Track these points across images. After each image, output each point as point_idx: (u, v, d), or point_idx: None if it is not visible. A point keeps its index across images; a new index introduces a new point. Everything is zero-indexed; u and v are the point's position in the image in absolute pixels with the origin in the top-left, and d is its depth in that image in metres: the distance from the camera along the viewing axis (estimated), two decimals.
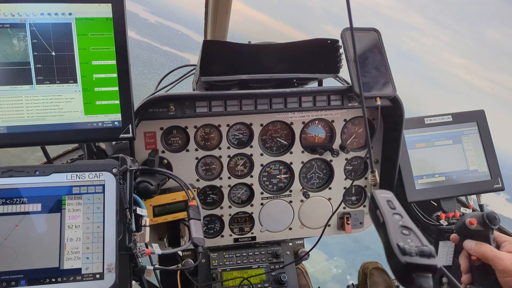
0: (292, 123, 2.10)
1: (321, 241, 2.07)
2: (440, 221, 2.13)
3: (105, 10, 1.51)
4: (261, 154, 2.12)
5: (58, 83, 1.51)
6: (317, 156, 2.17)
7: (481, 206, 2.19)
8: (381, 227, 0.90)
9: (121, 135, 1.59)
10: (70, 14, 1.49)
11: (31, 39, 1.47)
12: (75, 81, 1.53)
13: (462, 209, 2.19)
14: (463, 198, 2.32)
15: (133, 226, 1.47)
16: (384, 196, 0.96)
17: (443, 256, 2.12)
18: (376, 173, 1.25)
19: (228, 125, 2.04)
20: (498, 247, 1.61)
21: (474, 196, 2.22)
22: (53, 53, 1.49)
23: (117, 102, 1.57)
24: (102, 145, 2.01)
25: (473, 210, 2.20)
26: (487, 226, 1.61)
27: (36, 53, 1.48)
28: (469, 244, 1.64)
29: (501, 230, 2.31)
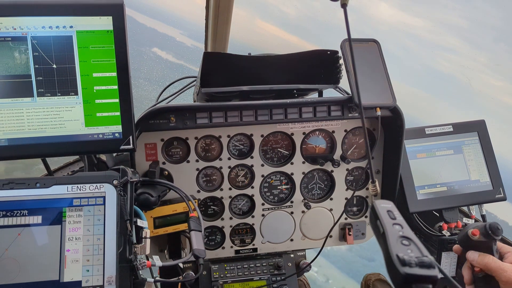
0: (292, 134, 2.10)
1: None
2: (443, 232, 2.11)
3: (106, 23, 1.52)
4: (262, 165, 2.12)
5: (59, 95, 1.52)
6: (318, 166, 2.17)
7: (483, 216, 2.17)
8: (381, 237, 0.90)
9: (122, 147, 1.59)
10: (71, 27, 1.50)
11: (32, 52, 1.48)
12: (76, 93, 1.53)
13: (465, 220, 2.18)
14: (465, 208, 2.31)
15: (134, 238, 1.46)
16: (384, 206, 0.96)
17: (446, 267, 2.10)
18: (377, 183, 1.25)
19: (228, 136, 2.04)
20: (501, 258, 1.60)
21: (476, 207, 2.20)
22: (54, 66, 1.50)
23: (118, 113, 1.57)
24: (103, 157, 2.01)
25: (476, 221, 2.18)
26: (489, 237, 1.59)
27: (37, 66, 1.49)
28: (472, 255, 1.63)
29: (504, 241, 2.29)
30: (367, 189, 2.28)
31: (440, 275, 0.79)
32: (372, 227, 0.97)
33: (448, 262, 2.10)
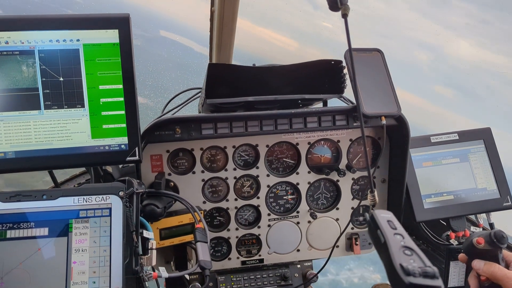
0: (297, 144, 2.10)
1: None
2: (450, 241, 2.09)
3: (112, 36, 1.54)
4: (268, 175, 2.12)
5: (65, 108, 1.53)
6: (324, 176, 2.16)
7: (491, 225, 2.15)
8: (382, 247, 0.90)
9: (128, 158, 1.60)
10: (78, 40, 1.52)
11: (39, 65, 1.50)
12: (83, 106, 1.55)
13: (472, 228, 2.16)
14: (473, 217, 2.29)
15: (140, 249, 1.46)
16: (384, 216, 0.96)
17: (454, 277, 2.07)
18: (376, 193, 1.24)
19: (234, 147, 2.05)
20: (507, 266, 1.58)
21: (484, 215, 2.18)
22: (61, 79, 1.52)
23: (124, 125, 1.58)
24: (109, 169, 2.02)
25: (484, 229, 2.16)
26: (495, 245, 1.58)
27: (44, 79, 1.51)
28: (477, 264, 1.61)
29: (510, 249, 2.26)
30: None
31: (443, 286, 0.78)
32: (372, 237, 0.97)
33: (456, 272, 2.07)
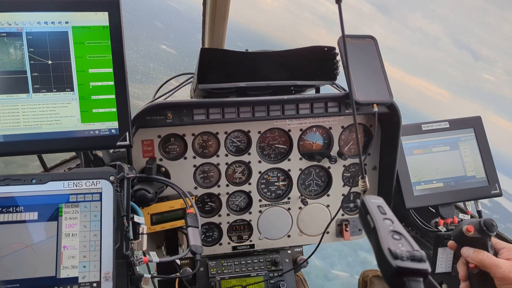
0: (289, 130, 2.10)
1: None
2: (439, 227, 2.12)
3: (102, 19, 1.52)
4: (259, 162, 2.12)
5: (54, 92, 1.51)
6: (315, 163, 2.17)
7: (479, 212, 2.18)
8: (371, 232, 0.91)
9: (118, 143, 1.59)
10: (66, 22, 1.50)
11: (27, 47, 1.47)
12: (72, 89, 1.53)
13: (461, 215, 2.19)
14: (461, 204, 2.32)
15: (131, 234, 1.46)
16: (374, 202, 0.96)
17: (442, 262, 2.11)
18: (367, 179, 1.25)
19: (226, 133, 2.04)
20: (496, 254, 1.60)
21: (472, 202, 2.21)
22: (50, 62, 1.50)
23: (114, 110, 1.57)
24: (100, 153, 2.01)
25: (472, 216, 2.19)
26: (484, 233, 1.60)
27: (32, 62, 1.48)
28: (466, 251, 1.63)
29: (499, 237, 2.30)
30: None
31: (430, 269, 0.80)
32: (362, 222, 0.98)
33: (444, 258, 2.11)
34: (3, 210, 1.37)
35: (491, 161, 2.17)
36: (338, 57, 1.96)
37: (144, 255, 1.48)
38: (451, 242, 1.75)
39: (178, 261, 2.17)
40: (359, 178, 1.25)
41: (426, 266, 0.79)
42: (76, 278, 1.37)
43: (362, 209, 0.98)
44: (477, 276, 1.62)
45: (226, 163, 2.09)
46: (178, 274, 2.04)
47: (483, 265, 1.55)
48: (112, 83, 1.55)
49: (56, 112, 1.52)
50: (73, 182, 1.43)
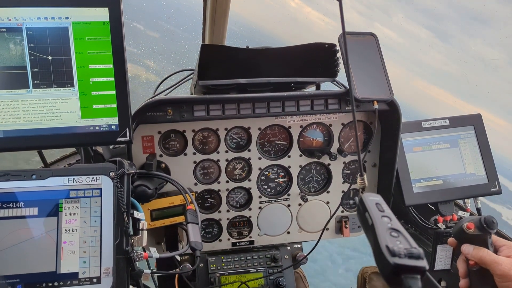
0: (290, 127, 2.10)
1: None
2: (438, 225, 2.12)
3: (102, 14, 1.51)
4: (259, 158, 2.12)
5: (55, 87, 1.51)
6: (315, 160, 2.17)
7: (478, 210, 2.18)
8: (370, 229, 0.91)
9: (119, 139, 1.59)
10: (67, 18, 1.49)
11: (27, 43, 1.47)
12: (72, 85, 1.53)
13: (460, 213, 2.19)
14: (460, 202, 2.32)
15: (131, 230, 1.46)
16: (373, 199, 0.97)
17: (441, 260, 2.11)
18: (365, 176, 1.25)
19: (226, 129, 2.04)
20: (496, 251, 1.60)
21: (471, 200, 2.21)
22: (50, 57, 1.49)
23: (114, 105, 1.57)
24: (100, 149, 2.01)
25: (471, 214, 2.20)
26: (484, 230, 1.60)
27: (32, 57, 1.48)
28: (467, 248, 1.63)
29: (499, 234, 2.30)
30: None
31: (428, 266, 0.80)
32: (360, 220, 0.99)
33: (443, 255, 2.11)
34: (3, 205, 1.37)
35: (491, 159, 2.17)
36: (339, 54, 1.96)
37: (144, 251, 1.49)
38: (451, 239, 1.75)
39: (178, 257, 2.18)
40: (358, 175, 1.26)
41: (423, 263, 0.79)
42: (76, 273, 1.37)
43: (360, 206, 0.98)
44: (477, 273, 1.62)
45: (226, 160, 2.09)
46: (177, 270, 2.05)
47: (483, 262, 1.56)
48: (112, 79, 1.55)
49: (56, 108, 1.52)
50: (73, 178, 1.43)
